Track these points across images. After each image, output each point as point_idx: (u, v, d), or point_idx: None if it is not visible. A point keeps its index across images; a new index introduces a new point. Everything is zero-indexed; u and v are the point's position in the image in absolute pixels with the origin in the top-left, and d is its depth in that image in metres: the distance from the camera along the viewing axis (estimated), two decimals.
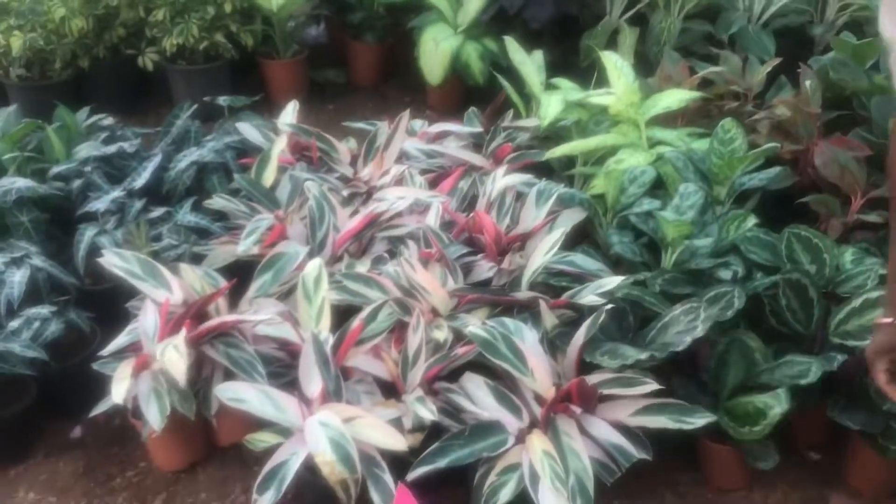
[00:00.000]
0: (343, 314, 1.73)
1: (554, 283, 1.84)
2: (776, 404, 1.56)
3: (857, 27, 2.97)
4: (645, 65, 2.77)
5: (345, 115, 3.00)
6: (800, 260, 1.82)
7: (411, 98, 3.17)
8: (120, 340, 1.68)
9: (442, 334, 1.65)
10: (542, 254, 1.80)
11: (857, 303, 1.65)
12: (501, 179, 2.08)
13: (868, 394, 1.60)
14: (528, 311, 1.75)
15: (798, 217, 2.09)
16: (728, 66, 2.40)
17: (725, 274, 1.78)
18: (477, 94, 2.89)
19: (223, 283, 1.77)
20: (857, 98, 2.22)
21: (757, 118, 2.20)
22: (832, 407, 1.67)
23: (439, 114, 3.01)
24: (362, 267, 1.86)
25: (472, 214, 1.97)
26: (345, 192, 2.15)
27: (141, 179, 2.12)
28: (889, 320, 1.15)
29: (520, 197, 2.08)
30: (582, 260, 1.90)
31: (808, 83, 2.18)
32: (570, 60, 2.85)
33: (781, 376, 1.60)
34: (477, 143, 2.40)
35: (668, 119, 2.31)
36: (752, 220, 1.86)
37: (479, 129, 2.42)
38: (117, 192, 2.07)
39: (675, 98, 2.22)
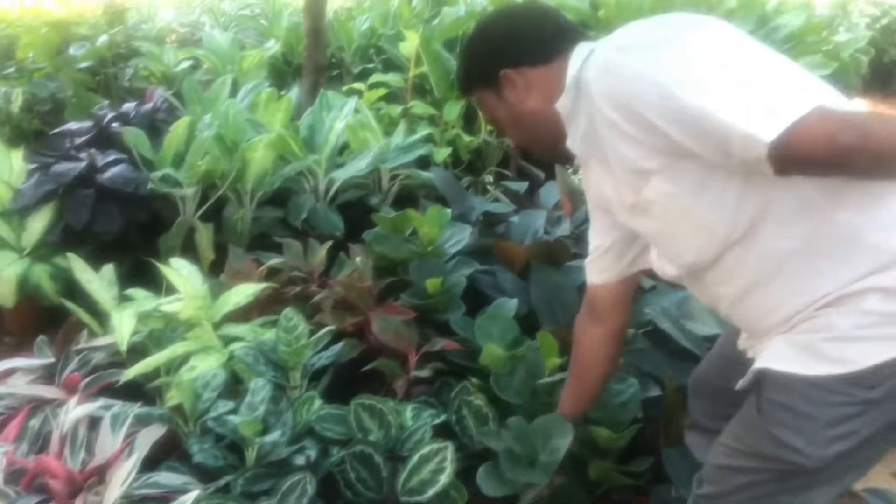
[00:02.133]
0: None
1: None
2: None
3: (409, 194, 3.41)
4: (226, 258, 2.90)
5: None
6: (369, 427, 2.00)
7: None
8: None
9: None
10: (119, 485, 1.76)
11: (415, 460, 1.84)
12: (74, 410, 2.01)
13: None
14: None
15: (374, 381, 2.31)
16: (290, 252, 2.61)
17: (300, 460, 1.88)
18: (61, 311, 2.79)
19: None
20: (402, 265, 2.54)
21: (320, 298, 2.40)
22: None
23: (20, 338, 2.85)
24: None
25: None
26: None
27: None
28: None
29: (97, 424, 2.03)
30: (167, 478, 1.88)
31: (357, 259, 2.45)
32: (151, 266, 2.89)
33: None
34: (52, 373, 2.30)
35: (244, 313, 2.43)
36: (317, 401, 2.00)
37: (50, 358, 2.32)
38: None
39: (242, 294, 2.35)
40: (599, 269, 1.54)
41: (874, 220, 1.15)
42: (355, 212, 3.27)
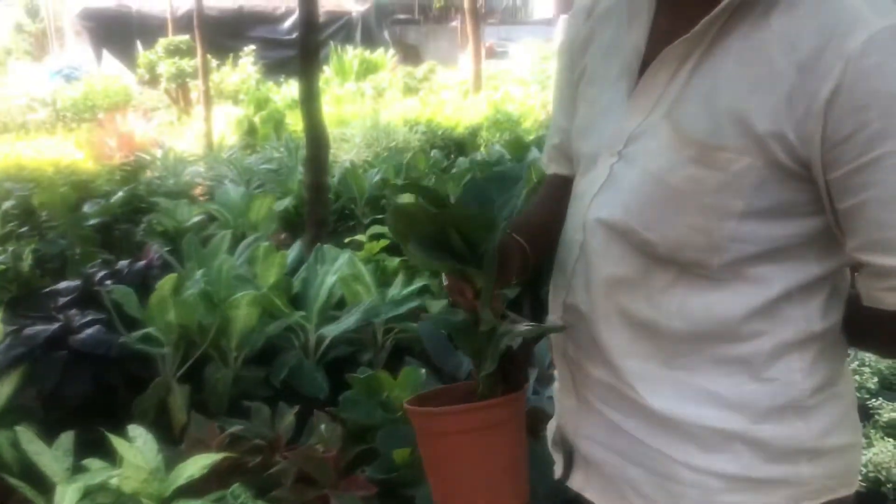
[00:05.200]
0: None
1: None
2: None
3: (406, 348, 3.25)
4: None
5: None
6: None
7: None
8: None
9: None
10: None
11: None
12: None
13: None
14: None
15: None
16: (257, 418, 2.45)
17: None
18: None
19: None
20: (372, 432, 2.35)
21: (278, 470, 2.22)
22: None
23: None
24: None
25: None
26: None
27: None
28: None
29: None
30: None
31: (322, 427, 2.28)
32: (120, 432, 2.75)
33: None
34: None
35: (203, 485, 2.24)
36: None
37: None
38: None
39: (198, 465, 2.17)
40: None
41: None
42: (348, 369, 3.12)
